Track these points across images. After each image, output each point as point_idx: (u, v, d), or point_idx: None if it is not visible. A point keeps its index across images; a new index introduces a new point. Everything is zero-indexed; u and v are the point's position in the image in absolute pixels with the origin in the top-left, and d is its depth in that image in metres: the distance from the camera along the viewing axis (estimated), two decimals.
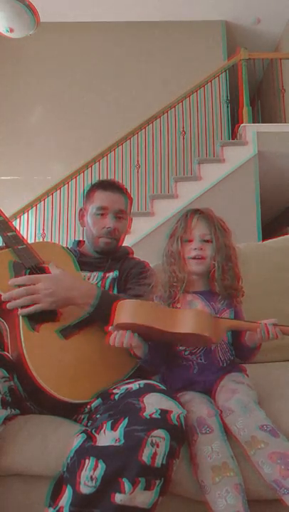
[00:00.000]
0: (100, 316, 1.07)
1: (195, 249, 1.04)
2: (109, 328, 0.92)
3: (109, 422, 0.78)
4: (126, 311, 0.90)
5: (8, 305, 1.01)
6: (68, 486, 0.74)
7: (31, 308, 1.01)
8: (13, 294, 1.01)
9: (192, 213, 1.08)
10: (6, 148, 5.12)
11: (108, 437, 0.76)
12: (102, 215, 1.31)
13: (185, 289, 1.05)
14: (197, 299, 1.05)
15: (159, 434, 0.75)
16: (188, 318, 0.89)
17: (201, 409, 0.89)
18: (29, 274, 1.11)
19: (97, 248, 1.32)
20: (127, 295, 1.19)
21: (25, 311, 1.01)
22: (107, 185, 1.35)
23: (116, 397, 0.88)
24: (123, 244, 1.42)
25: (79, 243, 1.44)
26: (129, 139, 4.30)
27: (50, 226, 4.30)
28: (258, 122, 5.44)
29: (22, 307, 1.01)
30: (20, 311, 1.01)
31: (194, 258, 1.04)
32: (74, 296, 1.05)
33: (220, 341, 1.00)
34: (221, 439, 0.84)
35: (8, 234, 1.18)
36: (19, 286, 1.03)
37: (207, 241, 1.05)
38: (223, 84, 4.71)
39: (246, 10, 5.11)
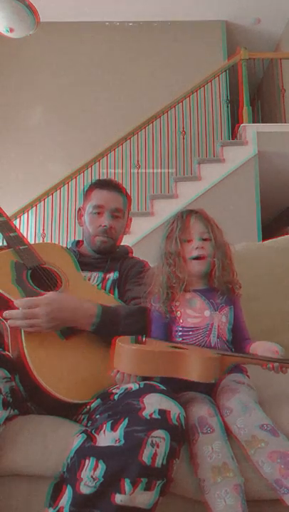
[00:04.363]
0: (101, 333, 1.06)
1: (196, 248, 1.05)
2: (112, 371, 0.92)
3: (109, 423, 0.78)
4: (126, 360, 0.87)
5: (9, 323, 0.99)
6: (68, 486, 0.73)
7: (30, 329, 0.99)
8: (12, 314, 0.99)
9: (188, 214, 1.09)
10: (6, 148, 5.12)
11: (108, 437, 0.76)
12: (98, 213, 1.31)
13: (184, 287, 1.05)
14: (196, 297, 1.06)
15: (159, 435, 0.75)
16: (194, 365, 0.86)
17: (202, 408, 0.89)
18: (31, 274, 1.11)
19: (94, 247, 1.32)
20: (127, 298, 1.19)
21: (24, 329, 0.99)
22: (104, 184, 1.35)
23: (116, 397, 0.88)
24: (122, 244, 1.42)
25: (78, 243, 1.44)
26: (129, 139, 4.29)
27: (50, 226, 4.30)
28: (258, 122, 5.43)
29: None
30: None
31: (196, 258, 1.04)
32: (74, 319, 1.04)
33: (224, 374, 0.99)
34: (222, 440, 0.84)
35: (10, 234, 1.18)
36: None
37: (206, 239, 1.06)
38: (223, 84, 4.71)
39: (246, 10, 5.11)
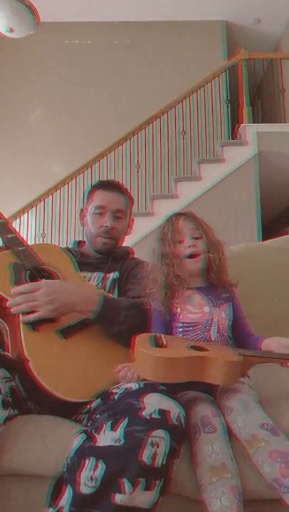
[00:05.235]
0: (102, 322, 1.07)
1: (189, 246, 1.07)
2: (116, 368, 0.92)
3: (109, 422, 0.78)
4: (150, 368, 0.85)
5: (12, 310, 1.01)
6: (68, 486, 0.73)
7: (31, 316, 1.00)
8: (14, 301, 1.01)
9: (177, 216, 1.12)
10: (6, 148, 5.12)
11: (108, 437, 0.76)
12: (100, 214, 1.31)
13: (184, 286, 1.07)
14: (195, 294, 1.07)
15: (159, 434, 0.75)
16: (219, 370, 0.85)
17: (205, 408, 0.89)
18: (29, 275, 1.11)
19: (96, 248, 1.33)
20: (128, 297, 1.19)
21: (26, 318, 1.00)
22: (106, 185, 1.36)
23: (115, 397, 0.88)
24: (123, 245, 1.42)
25: (79, 243, 1.44)
26: (129, 139, 4.30)
27: (50, 226, 4.30)
28: (258, 122, 5.44)
29: (23, 314, 1.01)
30: (21, 318, 1.00)
31: (190, 257, 1.06)
32: (75, 303, 1.04)
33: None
34: (223, 440, 0.84)
35: (8, 236, 1.19)
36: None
37: (197, 238, 1.09)
38: (223, 84, 4.71)
39: (246, 10, 5.11)
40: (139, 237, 3.75)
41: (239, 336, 1.09)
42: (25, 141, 5.14)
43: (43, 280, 1.09)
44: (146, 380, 0.87)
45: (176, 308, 1.06)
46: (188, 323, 1.04)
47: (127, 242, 1.47)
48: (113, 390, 0.91)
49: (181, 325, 1.04)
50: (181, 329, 1.04)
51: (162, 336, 0.96)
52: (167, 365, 0.84)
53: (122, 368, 0.91)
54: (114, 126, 4.67)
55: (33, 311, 1.01)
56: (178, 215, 1.12)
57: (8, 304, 1.01)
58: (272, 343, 0.99)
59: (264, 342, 1.02)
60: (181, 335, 1.04)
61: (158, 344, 0.91)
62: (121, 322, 1.07)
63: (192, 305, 1.05)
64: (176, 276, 1.05)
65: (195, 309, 1.05)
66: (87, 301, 1.06)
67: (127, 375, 0.90)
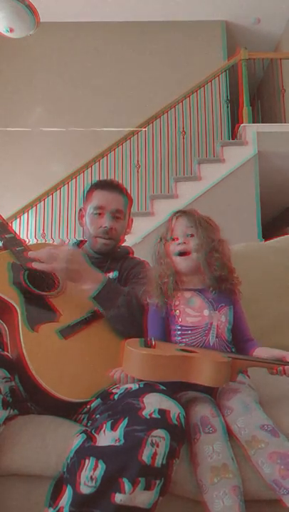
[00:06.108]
0: (101, 302, 1.08)
1: (179, 243, 1.06)
2: (112, 371, 0.92)
3: (109, 422, 0.78)
4: (136, 365, 0.86)
5: (33, 264, 1.07)
6: (68, 486, 0.73)
7: (43, 264, 1.06)
8: (38, 253, 1.07)
9: (173, 214, 1.11)
10: (7, 148, 5.12)
11: (108, 437, 0.76)
12: (99, 214, 1.31)
13: (182, 286, 1.06)
14: (195, 296, 1.05)
15: (159, 434, 0.75)
16: (206, 369, 0.85)
17: (205, 408, 0.88)
18: (28, 275, 1.12)
19: (95, 248, 1.33)
20: (129, 288, 1.20)
21: (38, 265, 1.07)
22: (105, 185, 1.35)
23: (115, 397, 0.88)
24: (123, 244, 1.42)
25: (78, 244, 1.44)
26: (129, 139, 4.30)
27: (50, 226, 4.30)
28: (258, 122, 5.44)
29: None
30: (33, 264, 1.07)
31: (180, 254, 1.05)
32: (82, 276, 1.09)
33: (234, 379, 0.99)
34: (223, 440, 0.84)
35: (7, 236, 1.19)
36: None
37: (191, 235, 1.06)
38: (223, 84, 4.71)
39: (246, 10, 5.11)
40: (139, 237, 3.75)
41: (239, 340, 1.07)
42: (26, 141, 5.14)
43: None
44: (132, 376, 0.88)
45: (175, 310, 1.04)
46: (186, 326, 1.02)
47: (127, 242, 1.47)
48: (113, 390, 0.91)
49: (179, 328, 1.03)
50: (179, 332, 1.03)
51: (153, 339, 0.96)
52: (152, 362, 0.85)
53: (115, 372, 0.91)
54: (114, 126, 4.67)
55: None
56: (175, 213, 1.11)
57: (30, 254, 1.08)
58: (263, 353, 1.00)
59: (255, 351, 1.02)
60: (179, 338, 1.02)
61: (147, 345, 0.92)
62: (119, 305, 1.08)
63: (192, 308, 1.04)
64: (166, 275, 1.05)
65: (194, 312, 1.03)
66: (93, 278, 1.10)
67: (121, 377, 0.90)
